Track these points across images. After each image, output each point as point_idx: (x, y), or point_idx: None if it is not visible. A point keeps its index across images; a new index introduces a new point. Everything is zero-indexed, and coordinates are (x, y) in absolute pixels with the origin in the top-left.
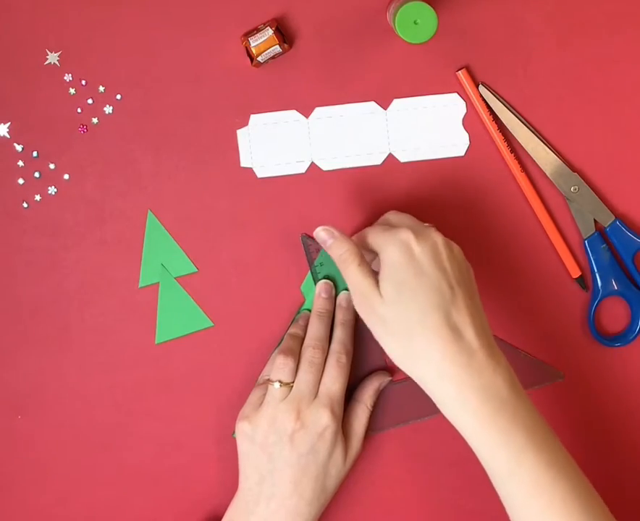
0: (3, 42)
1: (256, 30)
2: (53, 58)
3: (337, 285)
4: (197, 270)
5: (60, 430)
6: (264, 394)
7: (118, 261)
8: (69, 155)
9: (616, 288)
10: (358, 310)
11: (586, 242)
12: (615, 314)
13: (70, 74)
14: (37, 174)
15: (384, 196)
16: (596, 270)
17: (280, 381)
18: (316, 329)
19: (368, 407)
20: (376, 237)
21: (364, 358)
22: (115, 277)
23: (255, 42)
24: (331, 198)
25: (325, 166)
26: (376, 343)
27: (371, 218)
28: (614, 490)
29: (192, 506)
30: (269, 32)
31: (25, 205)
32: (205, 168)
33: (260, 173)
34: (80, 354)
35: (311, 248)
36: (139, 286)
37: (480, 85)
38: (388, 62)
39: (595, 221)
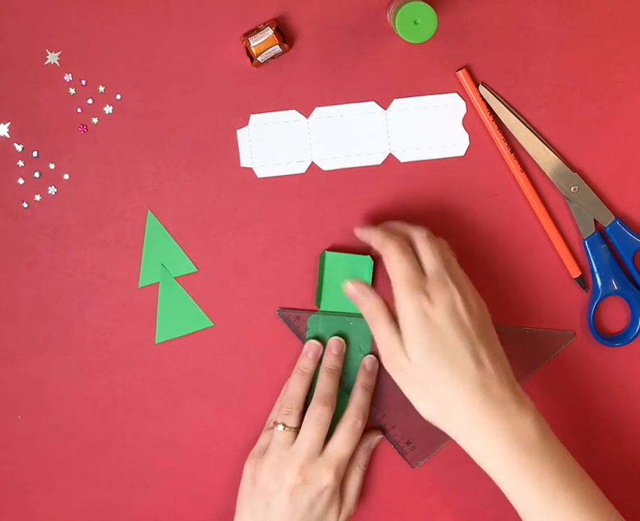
0: (3, 42)
1: (256, 30)
2: (53, 58)
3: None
4: (197, 270)
5: (60, 430)
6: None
7: (118, 261)
8: (69, 155)
9: (616, 288)
10: (385, 367)
11: (586, 242)
12: (615, 314)
13: (70, 74)
14: (37, 174)
15: (384, 196)
16: (596, 271)
17: (284, 425)
18: (325, 386)
19: (360, 466)
20: (396, 281)
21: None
22: (115, 277)
23: (255, 42)
24: (331, 198)
25: (325, 166)
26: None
27: (371, 219)
28: (615, 491)
29: (191, 506)
30: (269, 32)
31: (25, 205)
32: (205, 168)
33: (260, 173)
34: (80, 354)
35: (291, 318)
36: (139, 286)
37: (480, 85)
38: (388, 62)
39: (595, 221)
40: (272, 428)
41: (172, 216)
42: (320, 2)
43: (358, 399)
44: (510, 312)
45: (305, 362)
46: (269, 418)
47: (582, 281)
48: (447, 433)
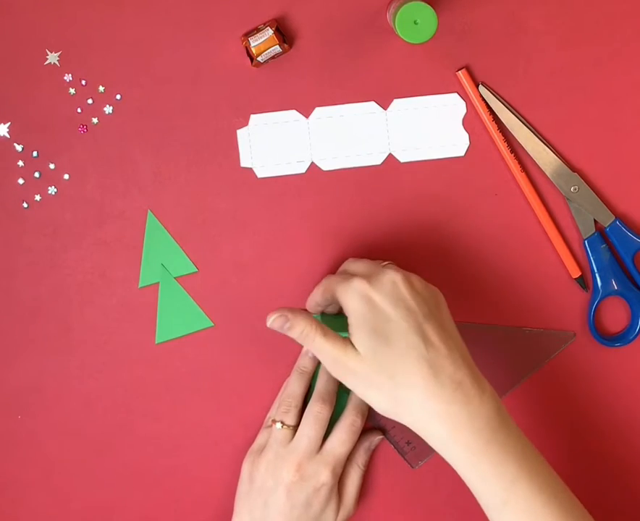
0: (3, 42)
1: (256, 30)
2: (53, 58)
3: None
4: (197, 270)
5: (60, 429)
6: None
7: (118, 261)
8: (69, 155)
9: (616, 288)
10: (335, 376)
11: (586, 242)
12: (615, 314)
13: (70, 74)
14: (37, 174)
15: (384, 196)
16: (596, 271)
17: (282, 422)
18: (324, 384)
19: (360, 466)
20: (333, 289)
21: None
22: (115, 277)
23: (255, 42)
24: (332, 198)
25: (325, 166)
26: None
27: (371, 219)
28: (614, 491)
29: (191, 507)
30: (269, 32)
31: (25, 205)
32: (205, 168)
33: (260, 173)
34: (80, 354)
35: None
36: (139, 286)
37: (480, 85)
38: (388, 62)
39: (595, 221)
40: (270, 425)
41: (172, 216)
42: (320, 2)
43: (357, 398)
44: (510, 312)
45: (305, 361)
46: (267, 416)
47: (582, 281)
48: (406, 424)
